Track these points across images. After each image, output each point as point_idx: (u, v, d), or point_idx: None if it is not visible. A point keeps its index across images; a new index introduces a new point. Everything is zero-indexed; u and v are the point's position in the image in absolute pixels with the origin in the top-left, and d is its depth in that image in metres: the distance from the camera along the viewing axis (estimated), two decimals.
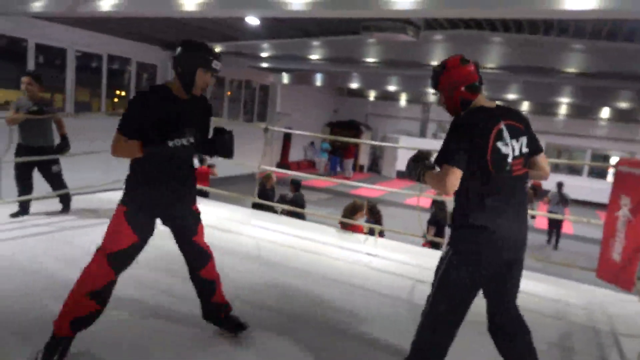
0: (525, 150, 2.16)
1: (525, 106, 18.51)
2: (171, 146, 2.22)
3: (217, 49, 11.69)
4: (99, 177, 5.98)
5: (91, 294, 2.26)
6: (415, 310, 3.38)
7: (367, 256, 4.62)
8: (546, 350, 2.86)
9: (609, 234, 3.59)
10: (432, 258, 4.79)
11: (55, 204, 5.05)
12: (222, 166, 8.17)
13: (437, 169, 2.13)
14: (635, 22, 7.00)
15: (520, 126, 2.16)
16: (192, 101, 2.42)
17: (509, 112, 2.19)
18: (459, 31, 8.75)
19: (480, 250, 2.09)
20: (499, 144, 2.05)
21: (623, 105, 13.21)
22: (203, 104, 2.53)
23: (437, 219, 6.70)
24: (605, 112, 17.28)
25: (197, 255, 2.59)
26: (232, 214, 5.70)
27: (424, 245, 5.67)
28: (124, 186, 2.41)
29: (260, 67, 14.98)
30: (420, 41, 7.87)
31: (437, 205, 6.73)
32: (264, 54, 11.82)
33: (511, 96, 14.08)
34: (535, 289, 3.94)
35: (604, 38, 7.98)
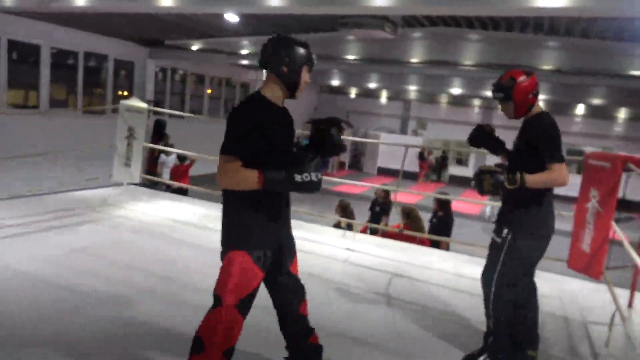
0: None
1: None
2: (299, 181, 1.85)
3: (195, 46, 11.62)
4: (72, 176, 5.90)
5: (226, 352, 2.02)
6: (392, 303, 3.45)
7: (345, 251, 4.65)
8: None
9: (579, 225, 3.68)
10: (409, 252, 4.88)
11: (26, 204, 4.98)
12: (199, 164, 8.11)
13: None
14: (607, 21, 7.18)
15: None
16: (285, 110, 2.13)
17: None
18: (437, 28, 8.85)
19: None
20: None
21: (597, 101, 13.52)
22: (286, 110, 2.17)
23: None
24: (580, 109, 17.65)
25: (295, 288, 2.25)
26: (210, 212, 5.69)
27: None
28: (227, 225, 2.05)
29: (241, 65, 14.91)
30: (399, 38, 7.93)
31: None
32: (243, 51, 11.77)
33: (489, 93, 14.28)
34: None
35: (578, 35, 8.16)
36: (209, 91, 15.69)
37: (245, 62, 12.95)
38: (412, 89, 15.83)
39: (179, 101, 14.62)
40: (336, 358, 2.61)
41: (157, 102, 12.98)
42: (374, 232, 6.29)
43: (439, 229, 5.94)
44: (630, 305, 3.73)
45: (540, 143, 2.50)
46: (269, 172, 1.85)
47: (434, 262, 4.53)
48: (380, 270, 4.17)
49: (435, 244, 5.57)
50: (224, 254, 2.06)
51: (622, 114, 17.53)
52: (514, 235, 2.55)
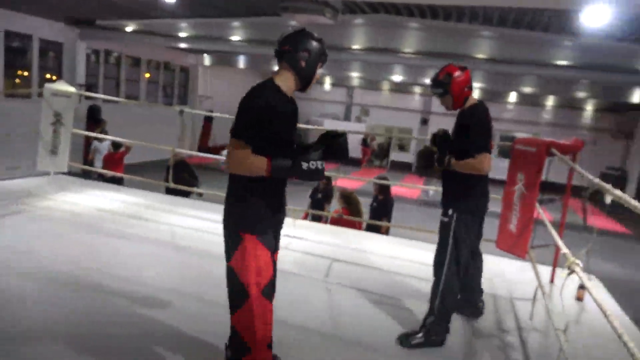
0: None
1: None
2: (305, 169, 1.92)
3: (130, 27, 11.06)
4: None
5: (269, 344, 2.07)
6: (332, 288, 3.48)
7: (286, 238, 4.64)
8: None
9: (507, 207, 3.87)
10: (349, 237, 4.95)
11: None
12: (137, 151, 7.78)
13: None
14: (535, 12, 7.54)
15: None
16: (294, 101, 2.18)
17: None
18: (378, 15, 8.92)
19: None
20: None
21: (527, 89, 14.23)
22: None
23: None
24: (512, 96, 18.55)
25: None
26: (145, 201, 5.48)
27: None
28: (234, 209, 2.07)
29: (180, 48, 14.38)
30: (340, 24, 7.93)
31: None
32: (182, 34, 11.35)
33: (429, 81, 14.66)
34: None
35: (510, 26, 8.51)
36: (146, 75, 15.04)
37: (184, 45, 12.50)
38: (355, 76, 15.95)
39: (113, 85, 13.92)
40: (275, 345, 2.60)
41: (89, 86, 12.27)
42: (316, 219, 6.32)
43: (379, 213, 6.06)
44: (552, 280, 4.00)
45: (471, 133, 2.76)
46: (276, 160, 1.91)
47: (373, 246, 4.63)
48: (320, 256, 4.20)
49: (376, 228, 5.69)
50: (231, 237, 2.09)
51: (550, 101, 18.61)
52: (458, 213, 2.79)
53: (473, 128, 2.79)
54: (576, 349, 2.79)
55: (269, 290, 2.06)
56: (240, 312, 2.01)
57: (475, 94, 20.69)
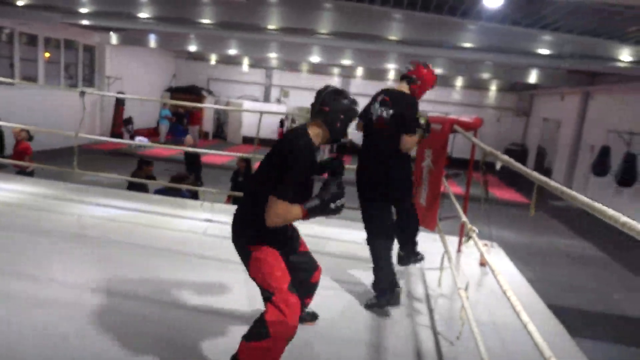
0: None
1: (359, 72, 19.81)
2: (333, 208, 2.14)
3: (21, 1, 10.04)
4: None
5: (290, 337, 2.12)
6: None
7: (204, 223, 4.56)
8: (362, 293, 3.20)
9: (417, 182, 4.09)
10: None
11: None
12: (36, 138, 7.17)
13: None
14: None
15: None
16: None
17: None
18: None
19: None
20: None
21: (438, 71, 14.93)
22: None
23: None
24: None
25: (307, 262, 2.55)
26: (52, 192, 5.10)
27: None
28: (248, 227, 2.23)
29: (82, 25, 13.31)
30: (254, 3, 7.78)
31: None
32: (83, 10, 10.50)
33: (346, 62, 14.90)
34: (353, 237, 4.32)
35: (419, 9, 8.84)
36: (46, 55, 13.79)
37: (86, 22, 11.60)
38: (273, 57, 15.78)
39: (7, 66, 12.62)
40: (194, 330, 2.57)
41: None
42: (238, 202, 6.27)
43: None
44: (459, 250, 4.29)
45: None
46: (309, 205, 2.09)
47: (305, 228, 4.67)
48: None
49: None
50: (245, 249, 2.26)
51: (459, 82, 19.70)
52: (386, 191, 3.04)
53: (412, 109, 3.27)
54: (477, 306, 3.04)
55: (294, 284, 2.18)
56: (271, 312, 2.08)
57: (390, 75, 21.21)
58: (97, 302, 2.77)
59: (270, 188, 2.05)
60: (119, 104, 16.74)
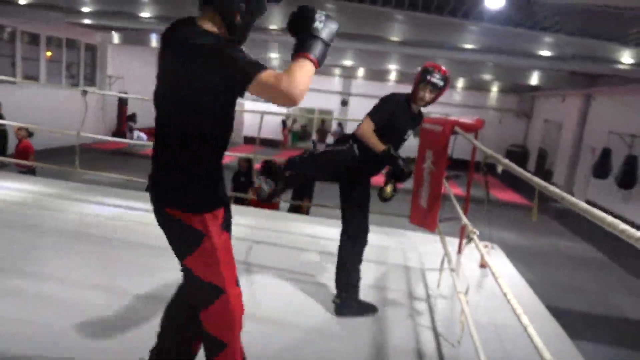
0: None
1: (360, 72, 19.80)
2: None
3: (24, 1, 10.06)
4: None
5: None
6: (252, 270, 3.48)
7: None
8: (363, 291, 3.20)
9: (418, 183, 4.09)
10: (269, 219, 4.96)
11: None
12: (37, 137, 7.18)
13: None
14: None
15: None
16: None
17: None
18: None
19: None
20: None
21: None
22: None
23: None
24: None
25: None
26: (54, 190, 5.11)
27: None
28: (197, 194, 1.70)
29: (84, 24, 13.34)
30: None
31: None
32: (85, 9, 10.52)
33: (347, 62, 14.90)
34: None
35: (420, 9, 8.84)
36: (48, 54, 13.81)
37: (88, 21, 11.62)
38: (274, 57, 15.78)
39: (9, 64, 12.64)
40: None
41: None
42: (239, 202, 6.26)
43: (300, 193, 6.13)
44: (459, 251, 4.29)
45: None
46: (313, 47, 1.63)
47: (294, 227, 4.68)
48: (240, 239, 4.18)
49: (296, 208, 5.76)
50: (185, 230, 1.72)
51: (460, 83, 19.70)
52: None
53: None
54: (477, 309, 3.04)
55: (238, 279, 1.82)
56: (213, 310, 1.73)
57: (392, 76, 21.22)
58: (98, 300, 2.78)
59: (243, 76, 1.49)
60: (122, 103, 16.77)
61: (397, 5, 8.76)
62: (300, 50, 1.58)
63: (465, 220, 3.40)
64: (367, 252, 4.09)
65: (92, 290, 2.91)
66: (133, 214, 4.61)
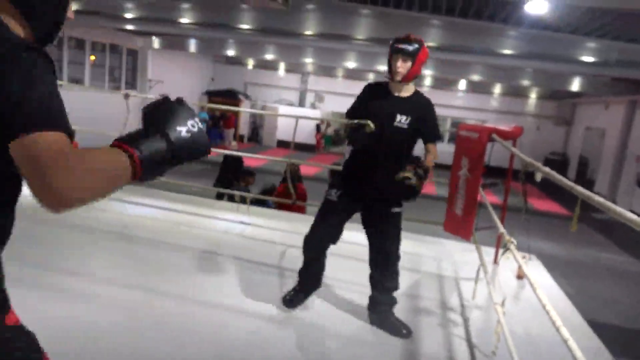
0: None
1: None
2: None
3: (73, 7, 10.50)
4: None
5: None
6: (284, 275, 3.52)
7: (239, 225, 4.64)
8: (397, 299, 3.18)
9: (453, 191, 4.04)
10: (303, 223, 4.99)
11: None
12: (81, 138, 7.46)
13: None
14: (481, 1, 7.78)
15: None
16: None
17: None
18: (330, 1, 8.92)
19: None
20: None
21: (476, 77, 14.70)
22: None
23: None
24: (462, 84, 19.11)
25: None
26: None
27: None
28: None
29: (127, 30, 13.82)
30: (292, 9, 7.88)
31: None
32: (128, 15, 10.90)
33: (381, 67, 14.85)
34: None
35: (458, 15, 8.74)
36: (92, 58, 14.37)
37: (131, 27, 12.03)
38: (309, 62, 15.91)
39: (56, 69, 13.22)
40: (233, 332, 2.63)
41: None
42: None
43: None
44: (495, 261, 4.21)
45: (433, 121, 2.72)
46: (144, 146, 1.00)
47: None
48: (275, 242, 4.23)
49: None
50: None
51: (497, 89, 19.31)
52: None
53: (433, 111, 2.75)
54: (514, 322, 2.97)
55: None
56: None
57: (427, 81, 21.06)
58: (135, 298, 2.87)
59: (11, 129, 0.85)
60: None
61: (434, 10, 8.69)
62: (125, 141, 0.96)
63: (502, 229, 3.33)
64: (401, 260, 4.07)
65: (130, 289, 3.01)
66: (170, 214, 4.74)
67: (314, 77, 20.84)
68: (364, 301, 2.93)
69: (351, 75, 20.07)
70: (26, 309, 2.61)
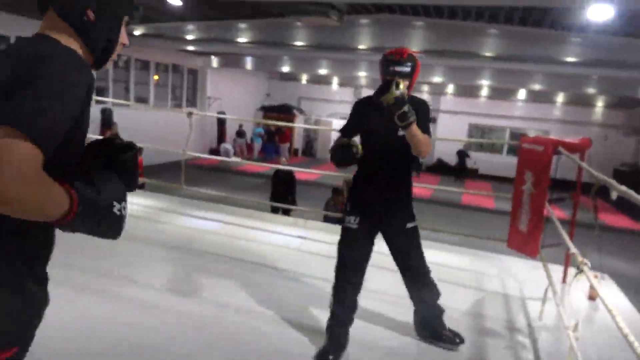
0: None
1: (450, 89, 19.33)
2: (117, 214, 1.11)
3: (138, 31, 11.19)
4: None
5: None
6: (327, 289, 3.48)
7: (297, 239, 4.68)
8: (458, 318, 3.08)
9: (517, 206, 3.88)
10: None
11: None
12: (145, 154, 7.86)
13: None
14: (542, 10, 7.51)
15: None
16: None
17: None
18: (382, 15, 8.94)
19: None
20: None
21: (536, 86, 14.14)
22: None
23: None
24: (522, 94, 18.44)
25: None
26: (160, 204, 5.55)
27: None
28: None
29: (187, 50, 14.50)
30: (345, 25, 7.96)
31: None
32: (189, 37, 11.44)
33: (436, 79, 14.63)
34: (452, 261, 4.19)
35: (517, 23, 8.49)
36: (155, 78, 15.17)
37: (192, 47, 12.61)
38: (362, 75, 15.95)
39: (122, 89, 14.07)
40: (293, 349, 2.64)
41: (100, 90, 12.44)
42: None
43: None
44: (564, 280, 3.98)
45: (426, 122, 2.47)
46: (83, 190, 1.04)
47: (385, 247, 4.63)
48: (333, 257, 4.22)
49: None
50: None
51: (560, 98, 18.46)
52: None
53: (425, 111, 2.50)
54: (587, 347, 2.79)
55: None
56: None
57: (484, 91, 20.46)
58: (196, 309, 2.95)
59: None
60: (221, 122, 17.90)
61: (491, 19, 8.49)
62: (72, 185, 1.01)
63: (571, 246, 3.16)
64: (462, 277, 3.94)
65: (190, 300, 3.10)
66: (230, 228, 4.85)
67: (367, 90, 20.84)
68: (404, 313, 2.84)
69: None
70: (94, 315, 2.75)
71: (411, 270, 2.68)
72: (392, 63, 2.43)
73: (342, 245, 2.63)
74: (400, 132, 2.31)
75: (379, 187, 2.52)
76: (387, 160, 2.50)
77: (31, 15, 10.12)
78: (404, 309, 2.90)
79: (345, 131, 2.58)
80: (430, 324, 2.77)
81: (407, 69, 2.42)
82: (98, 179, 1.08)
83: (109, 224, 1.10)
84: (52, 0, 1.12)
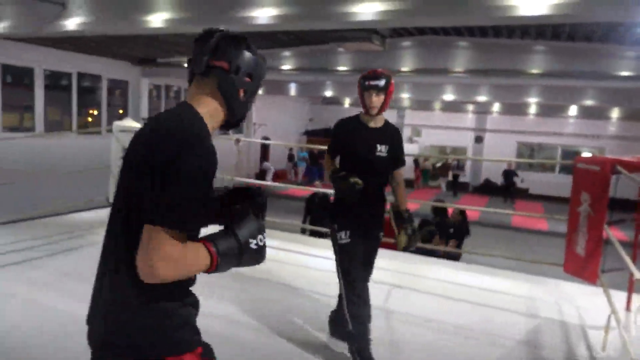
0: None
1: (496, 107, 18.93)
2: (254, 249, 1.38)
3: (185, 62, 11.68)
4: (67, 198, 5.88)
5: None
6: (391, 316, 3.45)
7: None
8: (514, 347, 2.95)
9: (573, 229, 3.72)
10: (408, 262, 4.88)
11: (20, 228, 4.97)
12: None
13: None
14: (592, 24, 7.29)
15: None
16: None
17: None
18: (425, 37, 8.94)
19: None
20: None
21: (588, 102, 13.60)
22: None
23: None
24: (573, 110, 17.78)
25: None
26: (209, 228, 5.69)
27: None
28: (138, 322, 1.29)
29: None
30: (388, 48, 8.02)
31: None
32: None
33: (481, 98, 14.38)
34: (505, 287, 4.04)
35: (565, 39, 8.27)
36: None
37: None
38: (405, 97, 15.92)
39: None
40: None
41: None
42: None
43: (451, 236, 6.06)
44: (627, 308, 3.75)
45: (401, 148, 2.84)
46: (221, 244, 1.29)
47: (432, 272, 4.54)
48: (381, 282, 4.17)
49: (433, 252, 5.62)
50: None
51: (614, 113, 17.66)
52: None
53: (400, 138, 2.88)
54: None
55: None
56: None
57: (532, 109, 19.89)
58: (247, 335, 2.99)
59: (146, 215, 1.14)
60: (265, 146, 18.30)
61: (538, 36, 8.32)
62: (211, 240, 1.26)
63: (635, 272, 2.98)
64: (516, 303, 3.79)
65: (242, 326, 3.14)
66: (279, 253, 4.90)
67: (410, 111, 20.75)
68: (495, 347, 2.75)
69: (449, 107, 19.66)
70: None
71: (367, 271, 2.87)
72: (367, 78, 2.68)
73: (343, 262, 2.74)
74: (380, 153, 2.69)
75: (365, 202, 2.68)
76: (370, 177, 2.66)
77: (91, 52, 10.85)
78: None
79: (333, 151, 2.86)
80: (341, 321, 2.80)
81: (382, 83, 2.65)
82: (236, 225, 1.30)
83: (249, 257, 1.31)
84: (213, 73, 1.30)
